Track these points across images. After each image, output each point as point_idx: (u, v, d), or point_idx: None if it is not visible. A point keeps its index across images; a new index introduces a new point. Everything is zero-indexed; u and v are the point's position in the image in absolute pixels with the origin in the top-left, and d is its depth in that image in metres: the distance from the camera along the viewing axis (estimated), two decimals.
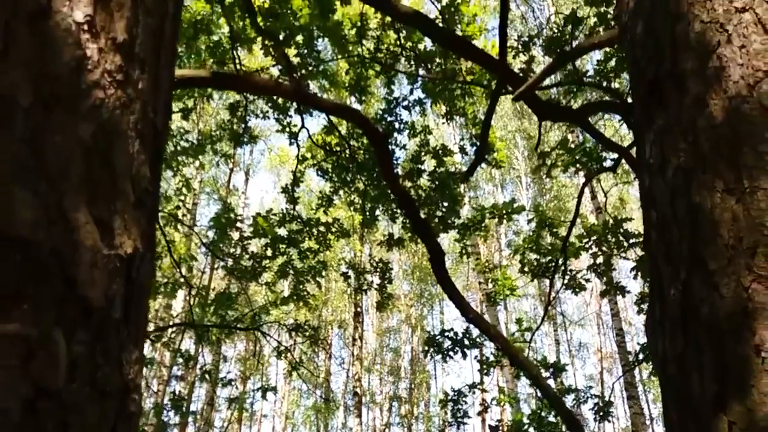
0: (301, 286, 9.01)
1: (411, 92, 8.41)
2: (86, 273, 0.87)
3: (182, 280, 8.96)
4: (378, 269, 9.15)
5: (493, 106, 3.66)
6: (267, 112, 8.68)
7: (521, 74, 4.58)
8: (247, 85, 3.28)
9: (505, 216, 7.60)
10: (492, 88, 3.98)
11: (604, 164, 7.10)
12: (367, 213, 8.70)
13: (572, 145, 7.52)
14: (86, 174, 0.94)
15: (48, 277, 0.83)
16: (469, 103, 8.17)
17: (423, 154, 8.42)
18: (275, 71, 8.09)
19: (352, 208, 10.10)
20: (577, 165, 7.11)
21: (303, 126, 7.90)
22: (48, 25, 1.03)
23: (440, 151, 8.29)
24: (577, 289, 8.20)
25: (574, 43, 4.46)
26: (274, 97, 7.86)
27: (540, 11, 15.93)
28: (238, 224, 8.62)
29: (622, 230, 7.47)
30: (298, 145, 8.28)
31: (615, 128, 13.42)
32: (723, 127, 1.40)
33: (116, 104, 1.06)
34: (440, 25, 5.29)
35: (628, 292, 8.68)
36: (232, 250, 8.76)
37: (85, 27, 1.08)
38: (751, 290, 1.21)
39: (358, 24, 6.63)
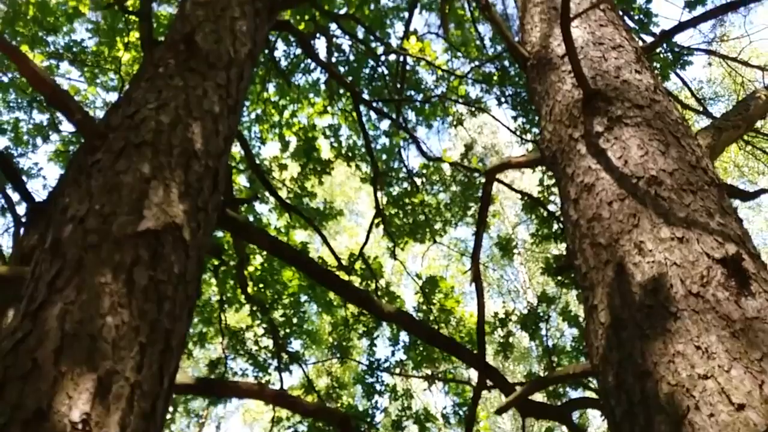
0: None
1: (392, 354, 8.45)
2: None
3: None
4: None
5: (476, 402, 3.67)
6: (246, 369, 8.55)
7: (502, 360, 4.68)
8: (231, 391, 3.31)
9: None
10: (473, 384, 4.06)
11: None
12: None
13: None
14: None
15: None
16: (450, 369, 8.17)
17: (405, 418, 8.11)
18: (260, 330, 8.20)
19: None
20: None
21: (282, 388, 7.71)
22: (44, 427, 1.06)
23: (423, 417, 8.00)
24: None
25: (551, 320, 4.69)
26: (254, 353, 7.84)
27: (516, 295, 16.90)
28: None
29: None
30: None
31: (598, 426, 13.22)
32: None
33: None
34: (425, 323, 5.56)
35: None
36: None
37: (80, 426, 1.12)
38: None
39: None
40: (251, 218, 7.71)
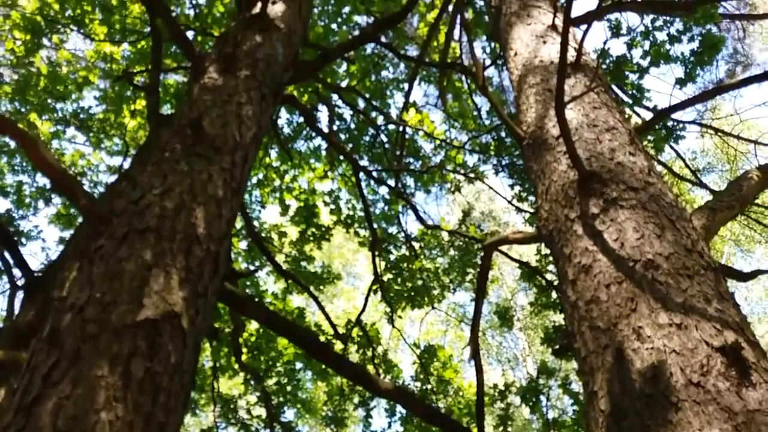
0: None
1: (389, 425, 8.23)
2: None
3: None
4: None
5: None
6: None
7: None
8: None
9: None
10: None
11: None
12: None
13: None
14: None
15: None
16: None
17: None
18: (253, 398, 8.01)
19: None
20: None
21: None
22: None
23: None
24: None
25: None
26: (246, 423, 7.63)
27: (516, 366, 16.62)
28: None
29: None
30: None
31: None
32: None
33: None
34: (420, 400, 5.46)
35: None
36: None
37: None
38: None
39: None
40: (248, 281, 7.69)
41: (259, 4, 3.14)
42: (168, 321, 1.76)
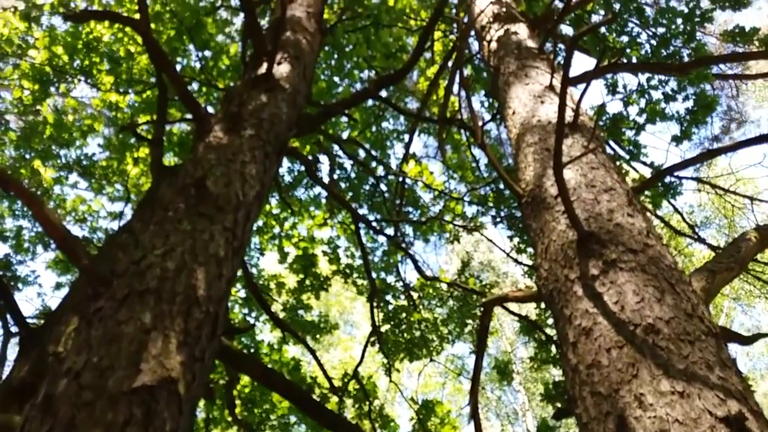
0: None
1: None
2: None
3: None
4: None
5: None
6: None
7: None
8: None
9: None
10: None
11: None
12: None
13: None
14: None
15: None
16: None
17: None
18: None
19: None
20: None
21: None
22: None
23: None
24: None
25: None
26: None
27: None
28: None
29: None
30: None
31: None
32: None
33: None
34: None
35: None
36: None
37: None
38: None
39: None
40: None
41: (265, 65, 3.22)
42: (165, 387, 1.73)
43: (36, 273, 8.05)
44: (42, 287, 11.32)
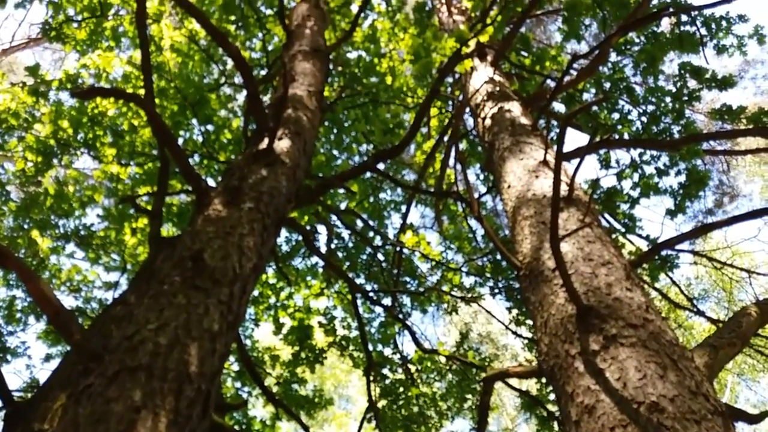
0: None
1: None
2: None
3: None
4: None
5: None
6: None
7: None
8: None
9: None
10: None
11: None
12: None
13: None
14: None
15: None
16: None
17: None
18: None
19: None
20: None
21: None
22: None
23: None
24: None
25: None
26: None
27: None
28: None
29: None
30: None
31: None
32: None
33: None
34: None
35: None
36: None
37: None
38: None
39: None
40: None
41: (266, 140, 3.30)
42: None
43: (26, 344, 7.88)
44: (31, 359, 11.06)
